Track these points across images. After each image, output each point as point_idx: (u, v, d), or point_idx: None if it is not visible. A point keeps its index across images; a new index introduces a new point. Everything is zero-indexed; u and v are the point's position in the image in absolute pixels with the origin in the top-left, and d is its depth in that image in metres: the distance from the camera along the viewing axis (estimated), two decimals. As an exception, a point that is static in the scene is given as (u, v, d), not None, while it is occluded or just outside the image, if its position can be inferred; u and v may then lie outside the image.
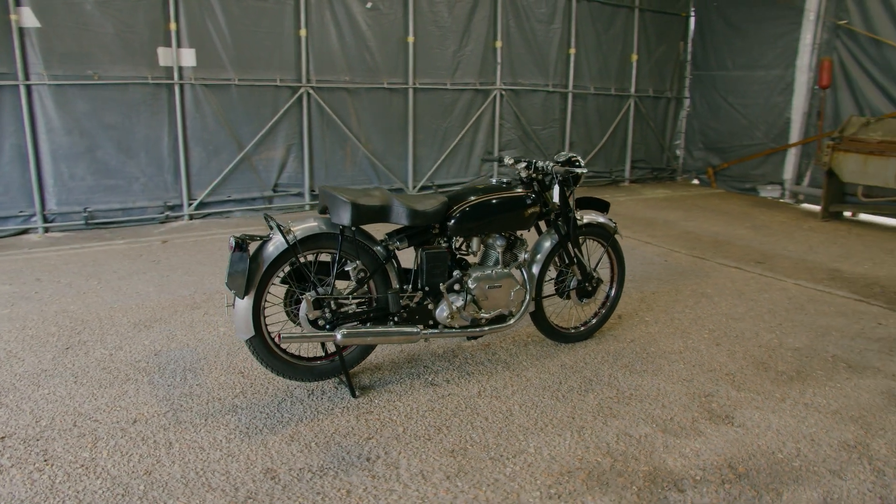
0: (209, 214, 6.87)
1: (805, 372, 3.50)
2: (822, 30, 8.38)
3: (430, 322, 3.24)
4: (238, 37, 6.68)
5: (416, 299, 3.21)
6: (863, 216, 7.88)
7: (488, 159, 4.04)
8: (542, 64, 8.89)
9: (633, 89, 9.84)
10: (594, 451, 2.70)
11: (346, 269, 3.07)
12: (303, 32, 7.01)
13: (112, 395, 3.06)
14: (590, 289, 3.73)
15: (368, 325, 3.09)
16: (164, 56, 6.35)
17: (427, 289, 3.19)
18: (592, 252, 3.86)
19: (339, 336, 2.93)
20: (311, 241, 2.97)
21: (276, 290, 3.05)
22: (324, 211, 3.09)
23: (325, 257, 3.12)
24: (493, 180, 3.45)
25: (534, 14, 8.65)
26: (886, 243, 6.58)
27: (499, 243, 3.41)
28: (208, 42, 6.54)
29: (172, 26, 6.31)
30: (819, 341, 3.93)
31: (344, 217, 2.90)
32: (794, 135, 8.84)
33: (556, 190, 3.51)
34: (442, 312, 3.21)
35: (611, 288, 3.96)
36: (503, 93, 8.59)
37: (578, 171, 3.46)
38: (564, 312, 4.02)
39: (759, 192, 9.37)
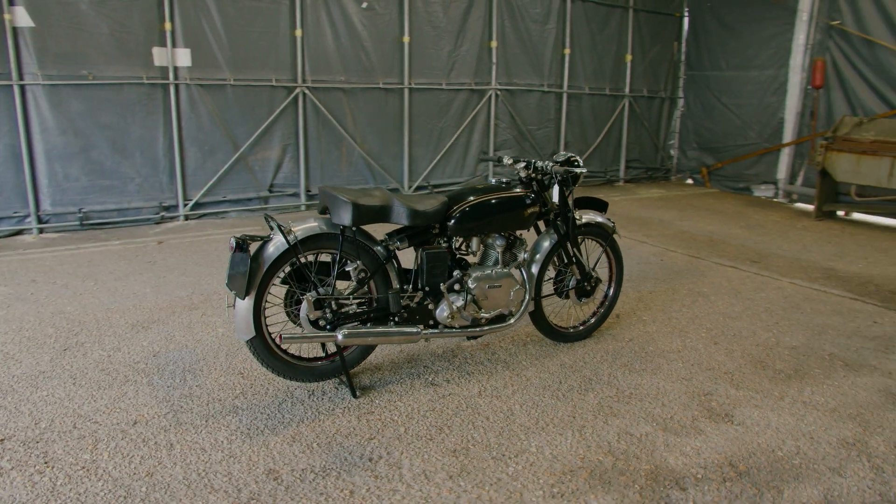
0: (205, 215, 6.84)
1: (803, 370, 3.52)
2: (815, 30, 8.43)
3: (431, 322, 3.24)
4: (233, 37, 6.66)
5: (416, 299, 3.21)
6: (856, 215, 7.94)
7: (487, 159, 4.04)
8: (537, 64, 8.91)
9: (627, 89, 9.88)
10: (596, 449, 2.71)
11: (347, 269, 3.07)
12: (298, 32, 7.00)
13: (111, 397, 3.04)
14: (588, 288, 3.75)
15: (369, 325, 3.09)
16: (160, 56, 6.33)
17: (427, 289, 3.19)
18: (591, 252, 3.87)
19: (340, 336, 2.92)
20: (311, 242, 2.97)
21: (276, 291, 3.04)
22: (324, 211, 3.08)
23: (324, 257, 3.12)
24: (493, 180, 3.46)
25: (529, 14, 8.67)
26: (880, 242, 6.63)
27: (498, 243, 3.41)
28: (203, 42, 6.52)
29: (167, 26, 6.29)
30: (816, 340, 3.95)
31: (345, 217, 2.90)
32: (788, 135, 8.89)
33: (555, 190, 3.52)
34: (442, 312, 3.21)
35: (609, 287, 3.97)
36: (498, 93, 8.60)
37: (578, 170, 3.47)
38: (563, 312, 4.03)
39: (752, 191, 9.42)
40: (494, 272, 3.35)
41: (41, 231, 6.03)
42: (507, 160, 3.58)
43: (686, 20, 10.29)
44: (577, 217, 3.66)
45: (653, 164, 10.56)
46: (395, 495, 2.38)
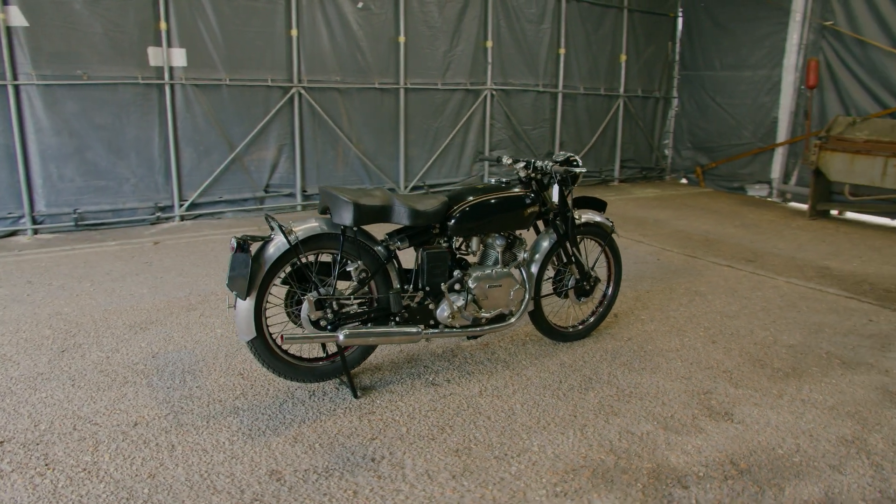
0: (200, 215, 6.82)
1: (800, 368, 3.54)
2: (809, 30, 8.48)
3: (431, 322, 3.24)
4: (229, 36, 6.64)
5: (416, 299, 3.21)
6: (849, 214, 8.00)
7: (486, 159, 4.04)
8: (532, 64, 8.92)
9: (622, 89, 9.91)
10: (597, 448, 2.72)
11: (348, 269, 3.06)
12: (294, 32, 6.98)
13: (111, 398, 3.03)
14: (588, 287, 3.76)
15: (369, 325, 3.09)
16: (155, 56, 6.30)
17: (428, 288, 3.20)
18: (590, 251, 3.88)
19: (341, 337, 2.92)
20: (312, 242, 2.96)
21: (276, 291, 3.03)
22: (324, 211, 3.08)
23: (324, 258, 3.11)
24: (493, 180, 3.46)
25: (524, 14, 8.68)
26: (873, 241, 6.67)
27: (498, 243, 3.42)
28: (199, 42, 6.50)
29: (163, 26, 6.26)
30: (813, 338, 3.98)
31: (346, 217, 2.90)
32: (782, 134, 8.94)
33: (555, 189, 3.52)
34: (443, 312, 3.22)
35: (608, 286, 3.98)
36: (494, 93, 8.61)
37: (577, 170, 3.48)
38: (562, 312, 4.04)
39: (747, 190, 9.47)
40: (495, 272, 3.35)
41: (36, 232, 5.99)
42: (506, 160, 3.59)
43: (680, 20, 10.33)
44: (577, 217, 3.67)
45: (647, 163, 10.60)
46: (399, 495, 2.38)
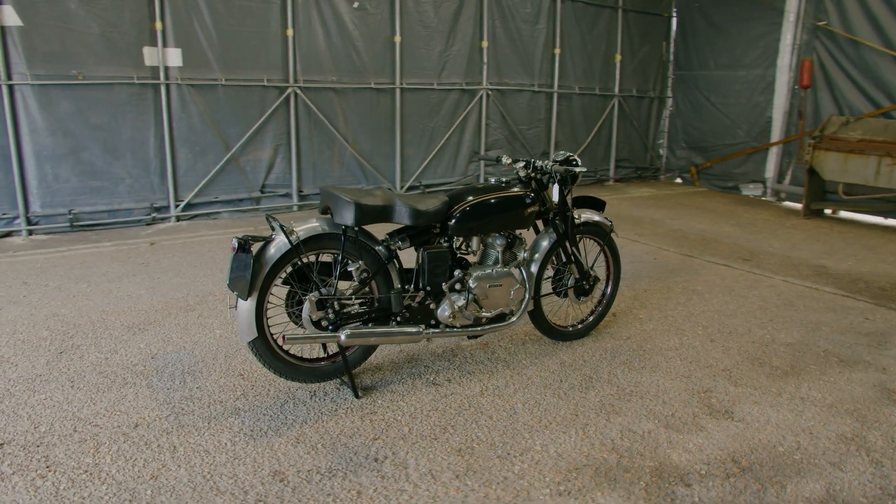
0: (196, 216, 6.79)
1: (799, 367, 3.56)
2: (802, 30, 8.53)
3: (432, 322, 3.24)
4: (224, 36, 6.62)
5: (417, 299, 3.21)
6: (843, 213, 8.05)
7: (485, 158, 4.05)
8: (527, 64, 8.93)
9: (616, 89, 9.93)
10: (599, 447, 2.72)
11: (349, 269, 3.06)
12: (290, 32, 6.97)
13: (111, 400, 3.01)
14: (587, 287, 3.77)
15: (370, 325, 3.09)
16: (150, 56, 6.27)
17: (429, 288, 3.20)
18: (589, 250, 3.89)
19: (343, 337, 2.92)
20: (313, 242, 2.96)
21: (277, 291, 3.02)
22: (325, 211, 3.08)
23: (325, 258, 3.11)
24: (493, 180, 3.47)
25: (519, 14, 8.69)
26: (867, 240, 6.72)
27: (498, 242, 3.42)
28: (194, 42, 6.47)
29: (158, 26, 6.24)
30: (810, 336, 4.00)
31: (347, 217, 2.90)
32: (776, 134, 8.99)
33: (555, 189, 3.53)
34: (444, 312, 3.22)
35: (607, 286, 3.99)
36: (489, 93, 8.61)
37: (577, 170, 3.49)
38: (561, 311, 4.04)
39: (741, 190, 9.51)
40: (495, 271, 3.36)
41: (30, 233, 5.95)
42: (506, 159, 3.59)
43: (674, 20, 10.36)
44: (576, 216, 3.67)
45: (642, 163, 10.63)
46: (403, 495, 2.38)
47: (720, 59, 9.61)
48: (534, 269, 3.54)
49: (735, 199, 9.16)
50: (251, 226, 6.58)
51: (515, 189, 3.42)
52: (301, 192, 7.39)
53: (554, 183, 3.52)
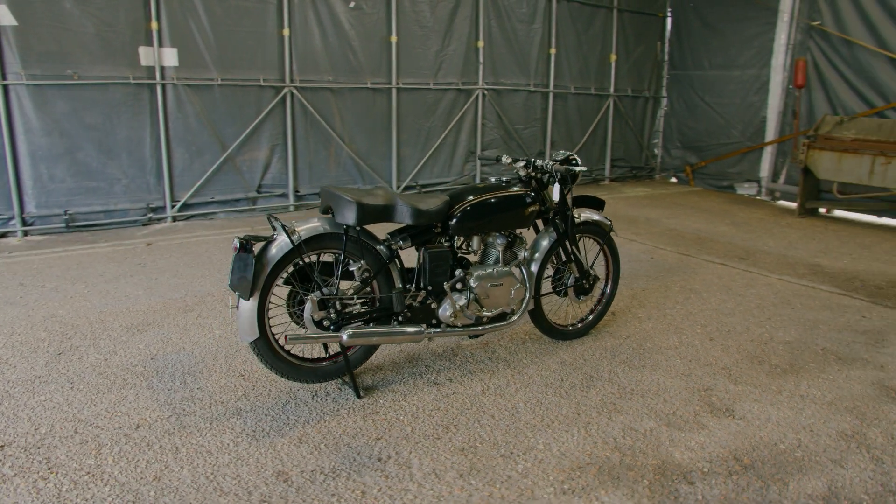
0: (193, 216, 6.77)
1: (798, 365, 3.58)
2: (796, 30, 8.58)
3: (434, 321, 3.24)
4: (221, 36, 6.60)
5: (418, 299, 3.21)
6: (838, 212, 8.09)
7: (485, 158, 4.05)
8: (523, 64, 8.95)
9: (612, 89, 9.96)
10: (602, 446, 2.73)
11: (350, 269, 3.06)
12: (286, 32, 6.95)
13: (111, 401, 3.00)
14: (587, 286, 3.77)
15: (371, 325, 3.08)
16: (146, 56, 6.25)
17: (430, 288, 3.20)
18: (588, 250, 3.90)
19: (345, 336, 2.91)
20: (315, 242, 2.95)
21: (278, 291, 3.02)
22: (326, 211, 3.07)
23: (326, 257, 3.10)
24: (492, 179, 3.47)
25: (515, 14, 8.70)
26: (862, 238, 6.76)
27: (499, 242, 3.43)
28: (190, 41, 6.45)
29: (154, 25, 6.21)
30: (808, 334, 4.02)
31: (349, 217, 2.89)
32: (770, 133, 9.04)
33: (555, 188, 3.53)
34: (445, 311, 3.22)
35: (606, 285, 4.00)
36: (485, 92, 8.62)
37: (577, 169, 3.50)
38: (560, 310, 4.05)
39: (736, 189, 9.55)
40: (496, 271, 3.36)
41: (26, 234, 5.92)
42: (505, 159, 3.60)
43: (669, 20, 10.40)
44: (576, 215, 3.68)
45: (637, 162, 10.66)
46: (407, 495, 2.38)
47: (715, 58, 9.65)
48: (534, 268, 3.55)
49: (730, 198, 9.20)
50: (248, 226, 6.56)
51: (516, 188, 3.43)
52: (297, 192, 7.38)
53: (554, 182, 3.53)
